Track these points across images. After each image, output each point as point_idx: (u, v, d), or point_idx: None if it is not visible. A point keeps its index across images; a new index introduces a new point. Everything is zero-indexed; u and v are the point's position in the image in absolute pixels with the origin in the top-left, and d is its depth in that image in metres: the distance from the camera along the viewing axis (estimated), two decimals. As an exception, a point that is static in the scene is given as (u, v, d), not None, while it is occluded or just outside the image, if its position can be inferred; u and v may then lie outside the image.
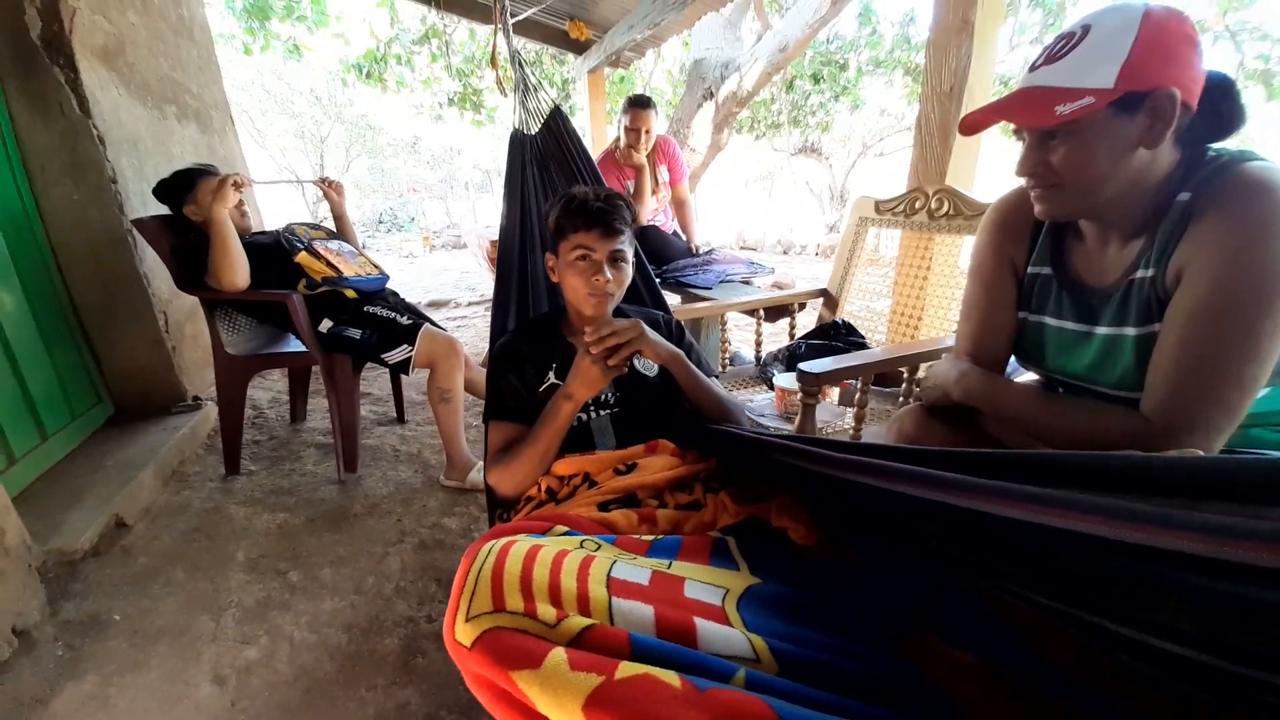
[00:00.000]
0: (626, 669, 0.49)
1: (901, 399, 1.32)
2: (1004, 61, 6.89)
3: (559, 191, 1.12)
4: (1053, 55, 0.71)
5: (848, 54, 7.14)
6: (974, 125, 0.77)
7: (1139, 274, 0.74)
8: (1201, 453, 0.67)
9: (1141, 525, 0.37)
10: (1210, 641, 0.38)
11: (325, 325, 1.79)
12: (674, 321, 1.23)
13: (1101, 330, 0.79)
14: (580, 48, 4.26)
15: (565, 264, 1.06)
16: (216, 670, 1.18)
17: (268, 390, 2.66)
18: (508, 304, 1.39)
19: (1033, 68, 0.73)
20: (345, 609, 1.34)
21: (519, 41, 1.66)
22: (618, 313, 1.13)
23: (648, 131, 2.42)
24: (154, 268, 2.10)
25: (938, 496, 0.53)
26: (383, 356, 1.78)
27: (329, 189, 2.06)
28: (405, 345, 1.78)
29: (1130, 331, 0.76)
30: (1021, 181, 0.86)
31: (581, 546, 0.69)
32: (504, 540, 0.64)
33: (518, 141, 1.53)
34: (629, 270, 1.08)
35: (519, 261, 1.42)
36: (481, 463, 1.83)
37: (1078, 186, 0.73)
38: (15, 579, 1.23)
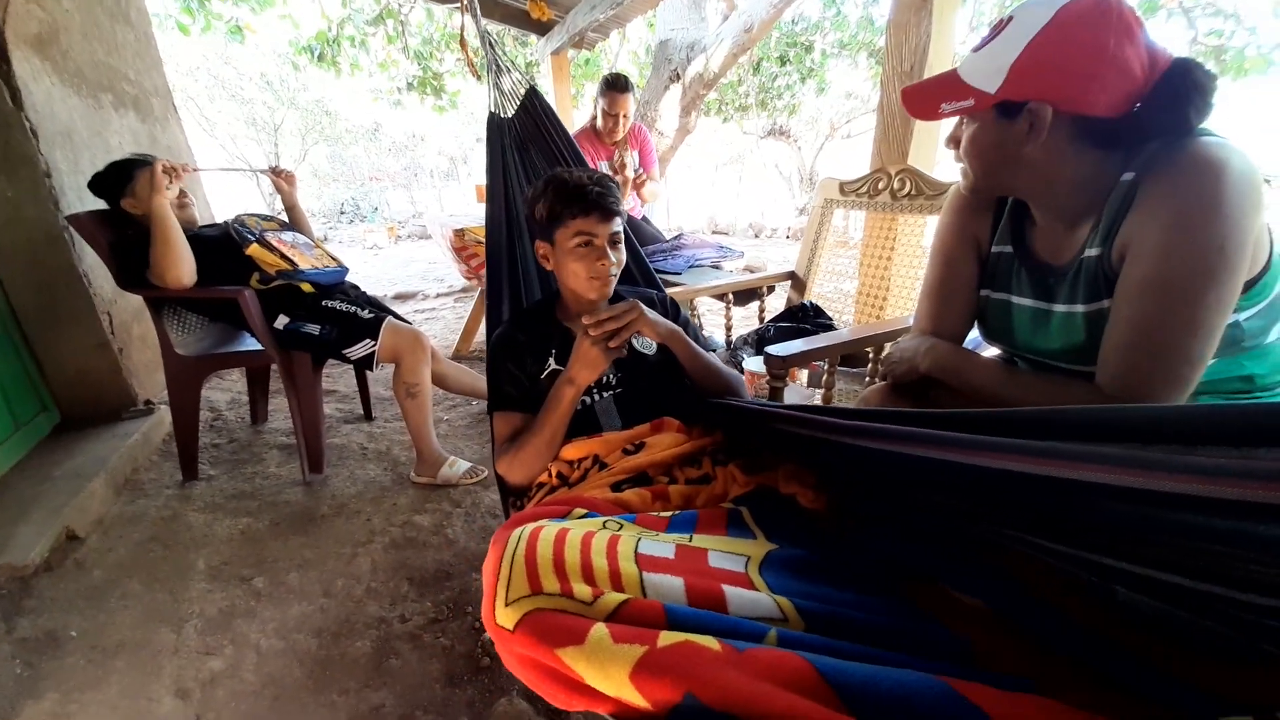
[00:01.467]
0: (667, 637, 0.51)
1: (867, 379, 1.33)
2: (964, 43, 6.97)
3: (541, 174, 1.09)
4: (979, 45, 0.75)
5: (813, 36, 7.13)
6: (904, 100, 0.83)
7: (1087, 253, 0.76)
8: None
9: (1140, 470, 0.39)
10: (1209, 572, 0.40)
11: (281, 322, 1.72)
12: (669, 299, 1.23)
13: (1058, 308, 0.81)
14: (542, 29, 4.15)
15: (565, 251, 1.04)
16: (179, 683, 1.14)
17: (226, 391, 2.56)
18: (501, 293, 1.37)
19: (974, 48, 0.76)
20: (314, 613, 1.30)
21: (483, 22, 1.60)
22: (613, 295, 1.13)
23: (625, 116, 2.39)
24: (94, 266, 1.99)
25: (939, 454, 0.55)
26: (344, 352, 1.73)
27: (279, 178, 1.96)
28: (368, 340, 1.72)
29: (1080, 309, 0.78)
30: None
31: (604, 527, 0.71)
32: (532, 526, 0.66)
33: (495, 125, 1.49)
34: (624, 252, 1.08)
35: (508, 249, 1.40)
36: (452, 458, 1.80)
37: (976, 170, 0.80)
38: (-45, 600, 1.16)
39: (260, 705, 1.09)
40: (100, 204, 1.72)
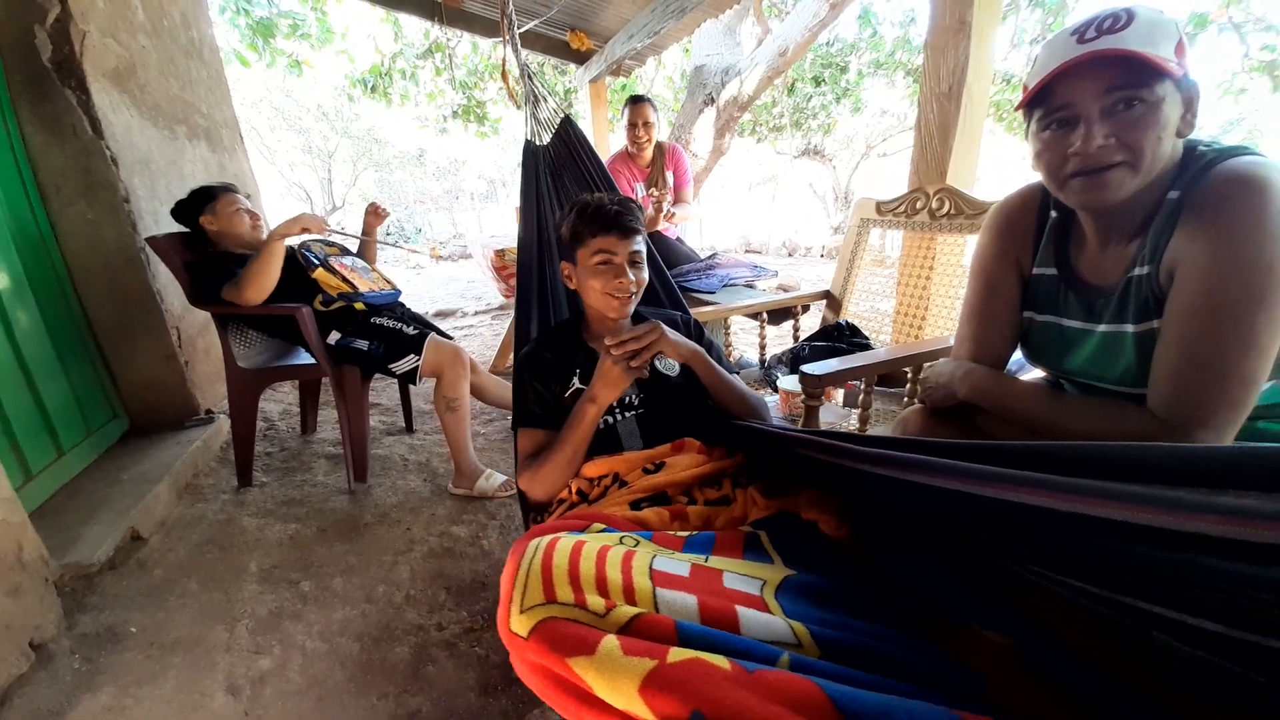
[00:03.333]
0: (678, 654, 0.51)
1: (906, 399, 1.31)
2: (1006, 59, 6.87)
3: (573, 199, 1.14)
4: (1108, 28, 0.67)
5: (848, 56, 7.15)
6: (1029, 94, 0.74)
7: (1135, 271, 0.75)
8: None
9: (1167, 510, 0.38)
10: (1244, 619, 0.39)
11: (333, 337, 1.82)
12: (693, 321, 1.25)
13: (1103, 328, 0.80)
14: (581, 58, 4.30)
15: (586, 270, 1.07)
16: (231, 680, 1.19)
17: (278, 403, 2.69)
18: (530, 312, 1.41)
19: (1082, 38, 0.69)
20: (356, 618, 1.35)
21: (523, 54, 1.69)
22: (636, 316, 1.15)
23: (646, 124, 2.50)
24: (166, 285, 2.14)
25: (966, 488, 0.54)
26: (390, 367, 1.80)
27: (376, 217, 2.12)
28: (412, 355, 1.80)
29: (1129, 328, 0.76)
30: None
31: (621, 542, 0.71)
32: (549, 538, 0.66)
33: (531, 153, 1.55)
34: (646, 272, 1.10)
35: (538, 270, 1.44)
36: (488, 470, 1.84)
37: (1143, 163, 0.69)
38: (32, 593, 1.25)
39: (305, 705, 1.13)
40: (174, 228, 1.87)
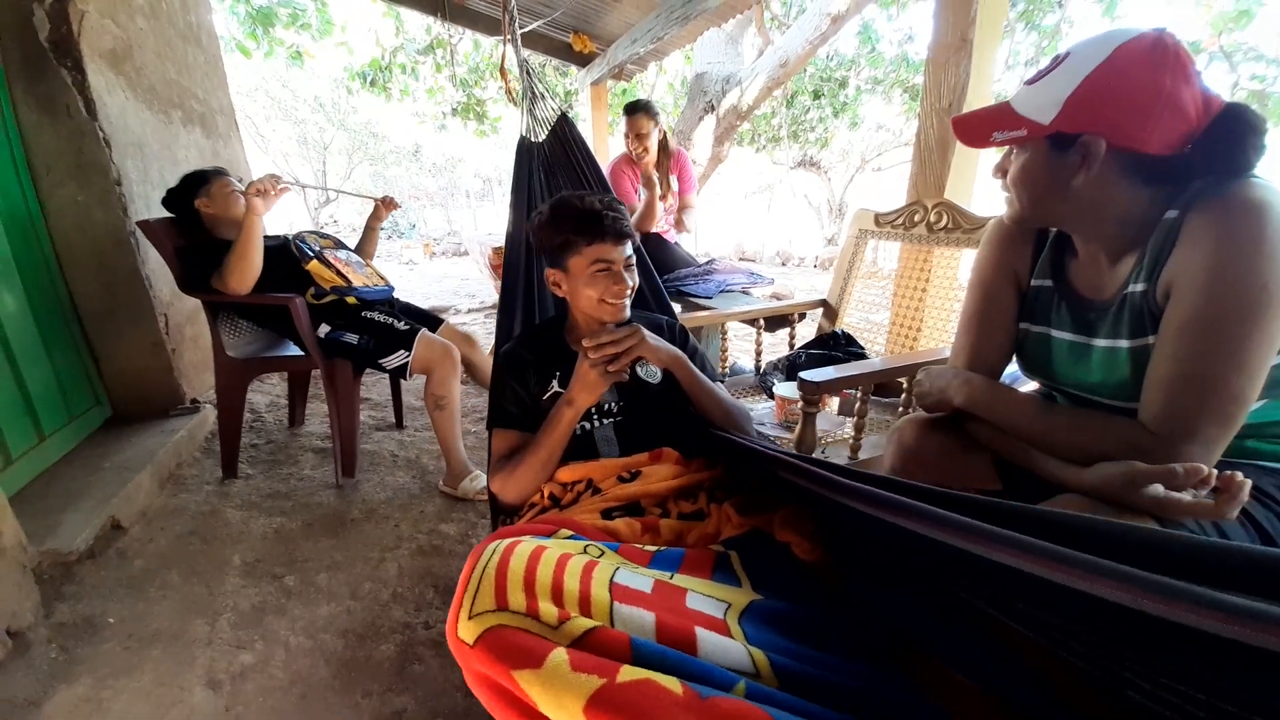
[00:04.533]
0: (628, 673, 0.49)
1: (901, 409, 1.32)
2: (999, 80, 6.98)
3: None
4: (1033, 79, 0.76)
5: (847, 71, 7.23)
6: (955, 128, 0.84)
7: (1131, 288, 0.76)
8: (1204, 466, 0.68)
9: (1159, 597, 0.38)
10: (1229, 698, 0.38)
11: (323, 330, 1.80)
12: (678, 326, 1.23)
13: (1099, 342, 0.81)
14: (583, 60, 4.30)
15: (581, 277, 1.03)
16: (211, 675, 1.17)
17: (266, 394, 2.65)
18: (514, 309, 1.40)
19: (1024, 83, 0.78)
20: (341, 614, 1.33)
21: (524, 53, 1.69)
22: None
23: (639, 136, 2.46)
24: (156, 270, 2.10)
25: (949, 539, 0.53)
26: (380, 362, 1.79)
27: (386, 206, 2.10)
28: (402, 351, 1.78)
29: (1124, 344, 0.77)
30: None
31: (585, 552, 0.69)
32: (509, 540, 0.64)
33: (525, 149, 1.54)
34: (637, 273, 1.09)
35: (525, 267, 1.43)
36: (476, 471, 1.83)
37: (1023, 199, 0.81)
38: (10, 580, 1.22)
39: (287, 702, 1.11)
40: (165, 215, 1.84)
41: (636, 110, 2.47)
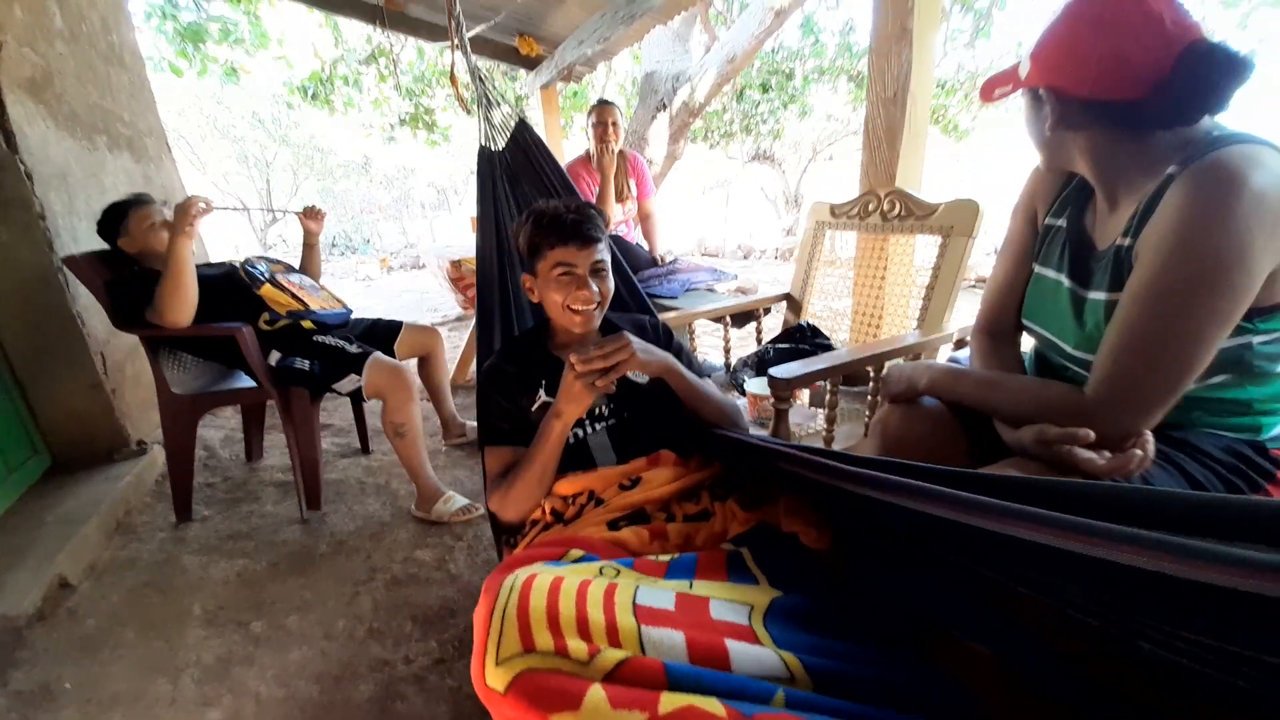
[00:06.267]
0: (669, 701, 0.49)
1: (870, 398, 1.34)
2: (939, 66, 7.20)
3: (531, 205, 1.09)
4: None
5: (793, 63, 7.34)
6: (981, 90, 0.88)
7: (1119, 241, 0.76)
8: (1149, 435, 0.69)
9: (1170, 556, 0.38)
10: (1246, 640, 0.39)
11: (274, 357, 1.72)
12: (660, 325, 1.21)
13: (1087, 293, 0.81)
14: (531, 63, 4.25)
15: (547, 282, 1.02)
16: (176, 736, 1.10)
17: (219, 429, 2.53)
18: (492, 324, 1.37)
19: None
20: (315, 657, 1.27)
21: (473, 59, 1.64)
22: (605, 324, 1.10)
23: (614, 124, 2.46)
24: (88, 307, 1.98)
25: (951, 515, 0.53)
26: (333, 387, 1.72)
27: (310, 219, 1.98)
28: (354, 375, 1.71)
29: (1103, 296, 0.78)
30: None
31: (601, 574, 0.69)
32: (525, 574, 0.63)
33: (486, 158, 1.51)
34: (611, 280, 1.06)
35: (499, 280, 1.40)
36: (449, 493, 1.77)
37: (1035, 144, 0.85)
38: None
39: (261, 756, 1.05)
40: (100, 245, 1.73)
41: (604, 102, 2.49)
